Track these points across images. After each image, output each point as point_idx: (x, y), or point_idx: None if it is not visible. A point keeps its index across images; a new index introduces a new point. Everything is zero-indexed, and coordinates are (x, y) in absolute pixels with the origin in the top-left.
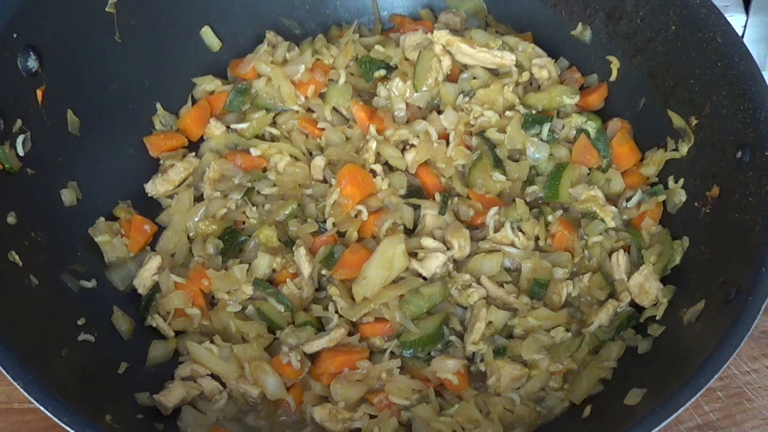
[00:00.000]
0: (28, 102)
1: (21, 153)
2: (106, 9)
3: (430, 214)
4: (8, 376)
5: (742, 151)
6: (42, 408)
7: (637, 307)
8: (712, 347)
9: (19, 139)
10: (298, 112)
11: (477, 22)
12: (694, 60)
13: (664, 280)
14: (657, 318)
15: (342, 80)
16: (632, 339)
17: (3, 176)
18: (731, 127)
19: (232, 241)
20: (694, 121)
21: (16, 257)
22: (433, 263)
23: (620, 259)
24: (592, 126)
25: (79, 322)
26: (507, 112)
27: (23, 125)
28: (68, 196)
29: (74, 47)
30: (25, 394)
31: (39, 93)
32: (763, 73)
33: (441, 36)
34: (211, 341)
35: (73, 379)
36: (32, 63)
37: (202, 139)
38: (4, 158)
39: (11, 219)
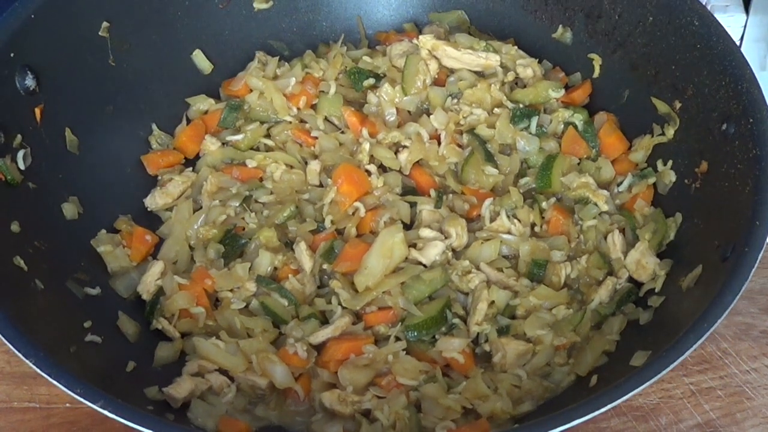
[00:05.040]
0: (27, 119)
1: (22, 167)
2: (99, 33)
3: (426, 209)
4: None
5: (726, 123)
6: (51, 379)
7: (636, 284)
8: (713, 295)
9: (20, 154)
10: (291, 122)
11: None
12: (673, 46)
13: (660, 256)
14: (656, 290)
15: (332, 91)
16: (633, 312)
17: (5, 188)
18: (714, 104)
19: (233, 245)
20: (678, 105)
21: (21, 262)
22: (433, 251)
23: (616, 239)
24: (578, 118)
25: (86, 325)
26: (495, 109)
27: (23, 141)
28: (69, 210)
29: (70, 69)
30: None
31: (38, 111)
32: (763, 73)
33: (426, 41)
34: (218, 338)
35: (83, 374)
36: (30, 82)
37: (198, 156)
38: (6, 170)
39: (15, 227)
